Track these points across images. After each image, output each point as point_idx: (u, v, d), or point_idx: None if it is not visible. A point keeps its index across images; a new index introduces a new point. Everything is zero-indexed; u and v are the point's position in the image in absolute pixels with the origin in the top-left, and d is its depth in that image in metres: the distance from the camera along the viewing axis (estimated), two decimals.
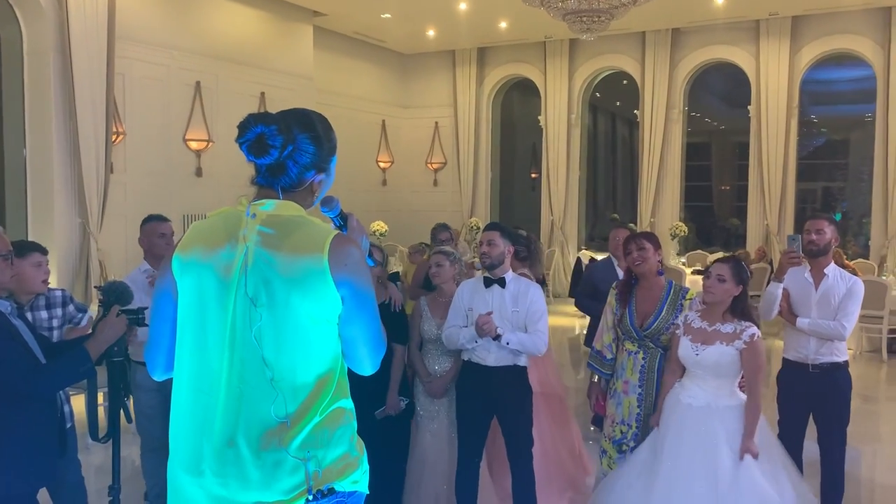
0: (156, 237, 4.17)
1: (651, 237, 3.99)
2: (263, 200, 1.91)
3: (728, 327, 3.60)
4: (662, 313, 3.84)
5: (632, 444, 3.90)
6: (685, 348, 3.65)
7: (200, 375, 1.86)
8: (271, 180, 1.92)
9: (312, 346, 1.84)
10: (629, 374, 3.92)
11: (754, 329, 3.59)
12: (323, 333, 1.86)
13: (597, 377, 4.18)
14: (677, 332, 3.74)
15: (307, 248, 1.83)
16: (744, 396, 3.63)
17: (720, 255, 12.19)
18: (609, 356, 4.06)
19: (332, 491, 1.84)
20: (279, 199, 1.92)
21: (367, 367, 1.98)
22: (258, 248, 1.84)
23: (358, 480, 1.92)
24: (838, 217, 14.74)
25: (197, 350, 1.87)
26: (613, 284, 4.18)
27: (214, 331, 1.85)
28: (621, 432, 3.93)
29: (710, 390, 3.62)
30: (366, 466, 1.96)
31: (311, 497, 1.81)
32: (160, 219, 4.24)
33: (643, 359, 3.89)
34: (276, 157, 1.88)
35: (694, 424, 3.57)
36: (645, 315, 3.88)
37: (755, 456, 3.48)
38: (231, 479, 1.81)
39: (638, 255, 3.90)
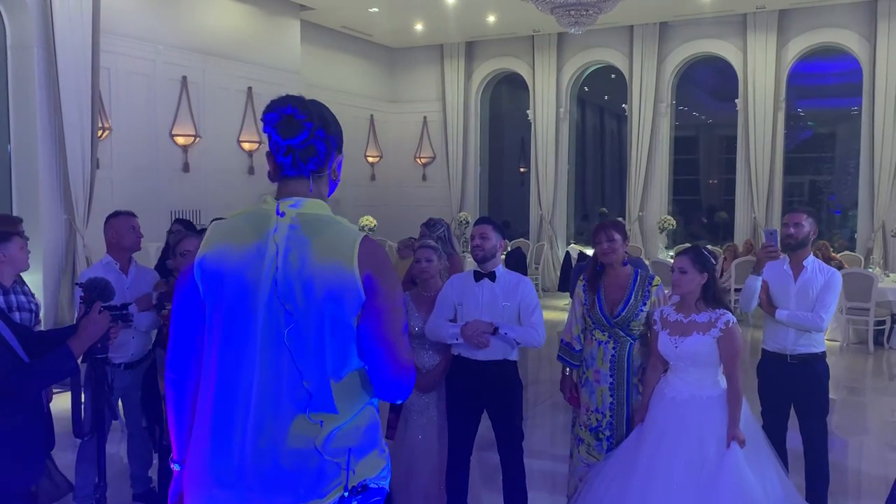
0: (127, 230, 4.37)
1: (619, 227, 3.99)
2: (292, 198, 1.89)
3: (703, 316, 3.62)
4: (631, 300, 3.86)
5: (607, 432, 3.91)
6: (664, 343, 3.67)
7: (231, 380, 1.83)
8: (300, 165, 1.90)
9: (343, 347, 1.84)
10: (599, 364, 3.93)
11: (728, 315, 3.60)
12: (353, 334, 1.85)
13: (568, 370, 4.17)
14: (655, 327, 3.75)
15: (337, 250, 1.83)
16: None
17: (708, 247, 12.26)
18: (578, 347, 4.06)
19: (365, 488, 1.86)
20: (309, 187, 1.91)
21: (393, 392, 1.92)
22: (288, 247, 1.83)
23: (385, 477, 1.94)
24: (838, 213, 14.80)
25: (227, 354, 1.84)
26: (581, 276, 4.19)
27: (245, 333, 1.83)
28: (596, 420, 3.95)
29: (693, 382, 3.63)
30: (389, 462, 1.97)
31: (346, 494, 1.82)
32: (130, 213, 4.47)
33: (613, 349, 3.90)
34: (306, 137, 1.87)
35: (678, 418, 3.58)
36: (614, 302, 3.89)
37: (742, 443, 3.48)
38: (267, 483, 1.79)
39: (608, 247, 3.91)
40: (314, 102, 1.96)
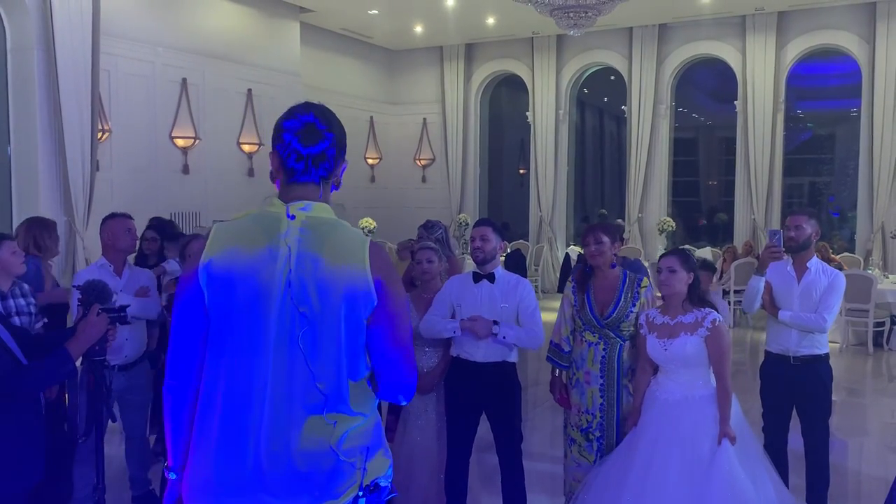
0: (122, 232, 4.37)
1: (609, 230, 3.98)
2: (301, 202, 1.90)
3: (689, 317, 3.63)
4: (621, 301, 3.87)
5: (597, 433, 3.91)
6: (653, 346, 3.68)
7: (242, 385, 1.81)
8: (312, 171, 1.92)
9: (359, 348, 1.86)
10: (590, 365, 3.93)
11: (714, 314, 3.62)
12: (364, 335, 1.88)
13: (557, 371, 4.16)
14: (641, 331, 3.76)
15: (349, 253, 1.85)
16: None
17: (707, 249, 12.28)
18: (567, 348, 4.05)
19: (377, 487, 1.88)
20: (319, 191, 1.93)
21: (401, 389, 1.97)
22: (300, 251, 1.83)
23: (391, 475, 1.96)
24: (836, 215, 14.81)
25: (236, 358, 1.82)
26: (569, 278, 4.19)
27: (256, 337, 1.82)
28: (587, 421, 3.95)
29: (684, 383, 3.64)
30: (392, 461, 2.00)
31: (360, 493, 1.83)
32: (126, 215, 4.49)
33: (603, 349, 3.90)
34: (327, 146, 1.90)
35: (672, 419, 3.58)
36: (604, 304, 3.89)
37: (733, 440, 3.49)
38: (282, 486, 1.79)
39: (595, 249, 3.91)
40: (329, 110, 1.98)
